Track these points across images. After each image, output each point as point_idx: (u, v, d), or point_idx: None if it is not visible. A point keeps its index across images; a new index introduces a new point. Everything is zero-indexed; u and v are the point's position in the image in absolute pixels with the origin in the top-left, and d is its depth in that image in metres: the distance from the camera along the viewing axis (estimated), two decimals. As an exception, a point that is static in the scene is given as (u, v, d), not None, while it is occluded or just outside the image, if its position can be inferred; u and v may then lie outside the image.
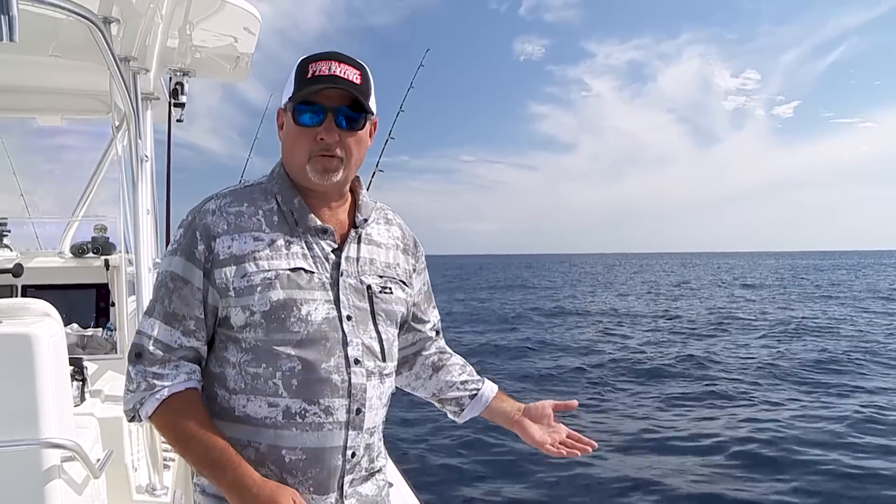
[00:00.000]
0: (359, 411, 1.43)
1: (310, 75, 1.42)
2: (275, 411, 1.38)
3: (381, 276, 1.54)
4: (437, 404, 1.82)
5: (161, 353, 1.40)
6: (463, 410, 1.77)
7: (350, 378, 1.42)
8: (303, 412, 1.38)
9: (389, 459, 3.36)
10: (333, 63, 1.42)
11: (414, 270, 1.68)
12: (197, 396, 1.42)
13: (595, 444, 1.69)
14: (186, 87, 3.86)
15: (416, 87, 5.22)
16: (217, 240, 1.41)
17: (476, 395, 1.76)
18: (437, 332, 1.82)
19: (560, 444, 1.69)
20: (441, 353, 1.81)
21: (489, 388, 1.78)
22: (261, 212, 1.46)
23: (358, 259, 1.52)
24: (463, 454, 7.70)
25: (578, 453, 1.67)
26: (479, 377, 1.81)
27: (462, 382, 1.77)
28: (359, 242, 1.54)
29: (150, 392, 1.38)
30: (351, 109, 1.45)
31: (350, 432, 1.43)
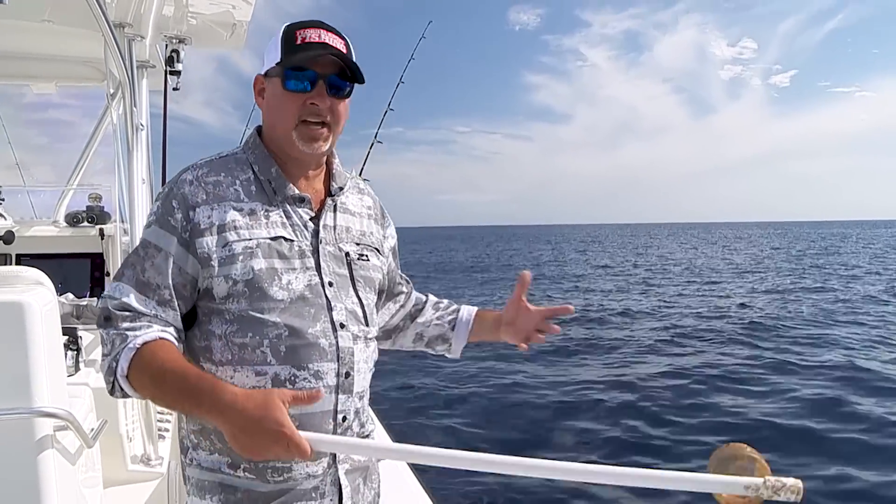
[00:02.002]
0: (348, 375, 1.45)
1: (299, 41, 1.43)
2: (263, 380, 1.38)
3: (357, 244, 1.57)
4: (426, 349, 1.86)
5: (130, 312, 1.36)
6: (451, 344, 1.82)
7: (338, 342, 1.44)
8: (292, 378, 1.39)
9: (382, 428, 3.39)
10: (322, 31, 1.45)
11: (384, 237, 1.71)
12: (171, 344, 1.36)
13: (558, 329, 1.71)
14: (182, 55, 3.81)
15: (415, 59, 5.15)
16: (196, 209, 1.40)
17: (455, 324, 1.82)
18: (409, 285, 1.86)
19: (534, 333, 1.72)
20: (416, 302, 1.86)
21: (467, 312, 1.83)
22: (238, 181, 1.46)
23: (335, 227, 1.54)
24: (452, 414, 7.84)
25: (542, 339, 1.72)
26: (454, 307, 1.86)
27: (438, 318, 1.83)
28: (335, 211, 1.56)
29: (123, 345, 1.33)
30: (339, 77, 1.46)
31: (340, 396, 1.44)
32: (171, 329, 1.40)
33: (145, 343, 1.32)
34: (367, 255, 1.58)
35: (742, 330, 13.79)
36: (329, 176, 1.59)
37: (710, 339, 12.86)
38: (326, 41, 1.44)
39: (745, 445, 1.27)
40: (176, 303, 1.40)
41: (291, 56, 1.42)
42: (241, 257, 1.38)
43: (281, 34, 1.46)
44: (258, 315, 1.38)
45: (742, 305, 18.03)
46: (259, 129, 1.56)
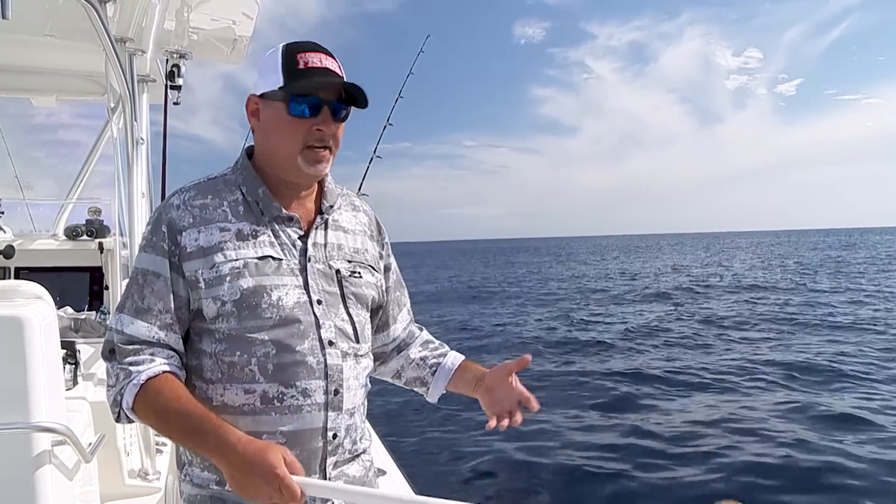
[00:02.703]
0: (336, 392, 1.45)
1: (301, 66, 1.44)
2: (252, 397, 1.40)
3: (349, 261, 1.57)
4: (403, 386, 1.82)
5: (134, 346, 1.40)
6: (429, 389, 1.77)
7: (325, 359, 1.44)
8: (280, 396, 1.40)
9: (383, 446, 3.38)
10: (322, 55, 1.46)
11: (380, 257, 1.70)
12: (175, 378, 1.40)
13: (536, 407, 1.61)
14: (183, 70, 3.83)
15: (415, 74, 5.17)
16: (183, 233, 1.43)
17: (437, 370, 1.77)
18: (410, 318, 1.84)
19: (506, 413, 1.61)
20: (408, 335, 1.82)
21: (451, 361, 1.77)
22: (226, 203, 1.48)
23: (325, 245, 1.54)
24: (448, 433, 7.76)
25: (505, 426, 1.60)
26: (442, 351, 1.81)
27: (422, 358, 1.79)
28: (325, 228, 1.56)
29: (127, 380, 1.37)
30: (339, 102, 1.48)
31: (329, 413, 1.44)
32: (174, 357, 1.43)
33: (149, 378, 1.36)
34: (359, 272, 1.58)
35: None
36: (321, 194, 1.60)
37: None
38: (328, 66, 1.45)
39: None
40: (177, 326, 1.43)
41: (295, 82, 1.43)
42: (228, 278, 1.40)
43: (280, 56, 1.46)
44: (246, 334, 1.40)
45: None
46: (249, 150, 1.57)
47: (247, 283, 1.40)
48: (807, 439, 7.28)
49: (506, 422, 1.61)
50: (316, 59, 1.45)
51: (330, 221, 1.58)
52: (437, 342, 1.85)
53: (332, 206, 1.59)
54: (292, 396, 1.41)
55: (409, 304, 1.83)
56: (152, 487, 3.01)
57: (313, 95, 1.44)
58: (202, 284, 1.40)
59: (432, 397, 1.79)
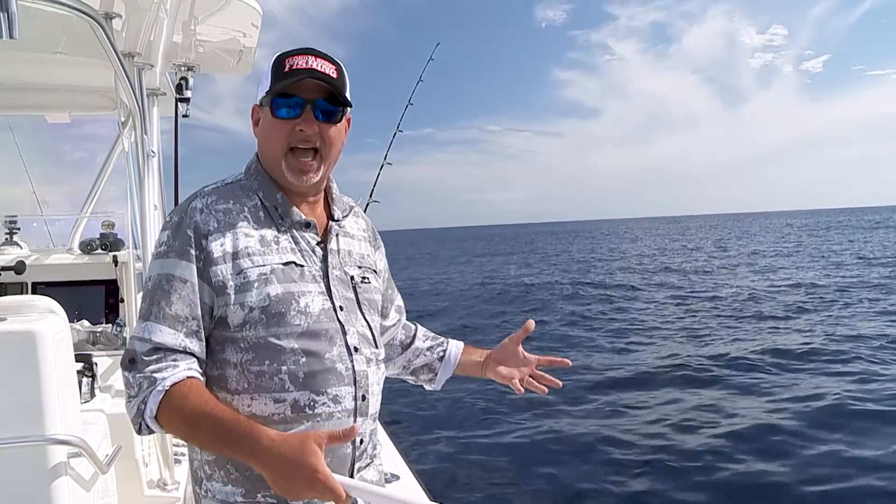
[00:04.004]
0: (364, 398, 1.47)
1: (287, 69, 1.44)
2: (282, 406, 1.38)
3: (359, 267, 1.59)
4: (409, 378, 1.90)
5: (155, 354, 1.35)
6: (436, 375, 1.85)
7: (353, 366, 1.45)
8: (312, 404, 1.40)
9: (396, 450, 3.38)
10: (310, 57, 1.45)
11: (376, 260, 1.73)
12: (201, 384, 1.37)
13: (559, 382, 1.75)
14: (191, 82, 3.86)
15: (435, 60, 5.19)
16: (209, 238, 1.40)
17: (444, 355, 1.85)
18: (402, 314, 1.89)
19: (529, 379, 1.77)
20: (406, 332, 1.89)
21: (455, 346, 1.87)
22: (246, 209, 1.47)
23: (338, 251, 1.55)
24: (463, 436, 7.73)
25: (545, 390, 1.75)
26: (443, 339, 1.89)
27: (428, 349, 1.87)
28: (337, 235, 1.58)
29: (151, 388, 1.33)
30: (328, 102, 1.46)
31: (358, 419, 1.45)
32: (196, 364, 1.39)
33: (174, 384, 1.33)
34: (368, 278, 1.60)
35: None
36: (328, 200, 1.61)
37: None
38: (314, 66, 1.44)
39: None
40: (202, 333, 1.40)
41: (278, 84, 1.43)
42: (256, 284, 1.39)
43: (271, 64, 1.48)
44: (275, 342, 1.39)
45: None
46: (258, 156, 1.58)
47: (275, 289, 1.39)
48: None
49: (526, 385, 1.74)
50: (301, 61, 1.44)
51: (339, 228, 1.59)
52: (433, 334, 1.93)
53: (344, 214, 1.61)
54: (324, 404, 1.40)
55: (400, 301, 1.87)
56: (171, 497, 3.03)
57: (295, 96, 1.44)
58: (230, 290, 1.38)
59: (437, 384, 1.87)
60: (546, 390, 1.75)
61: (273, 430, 1.27)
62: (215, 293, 1.39)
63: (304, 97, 1.44)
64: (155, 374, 1.34)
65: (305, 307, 1.42)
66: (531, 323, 1.74)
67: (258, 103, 1.51)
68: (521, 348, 1.75)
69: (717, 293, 20.28)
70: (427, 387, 1.88)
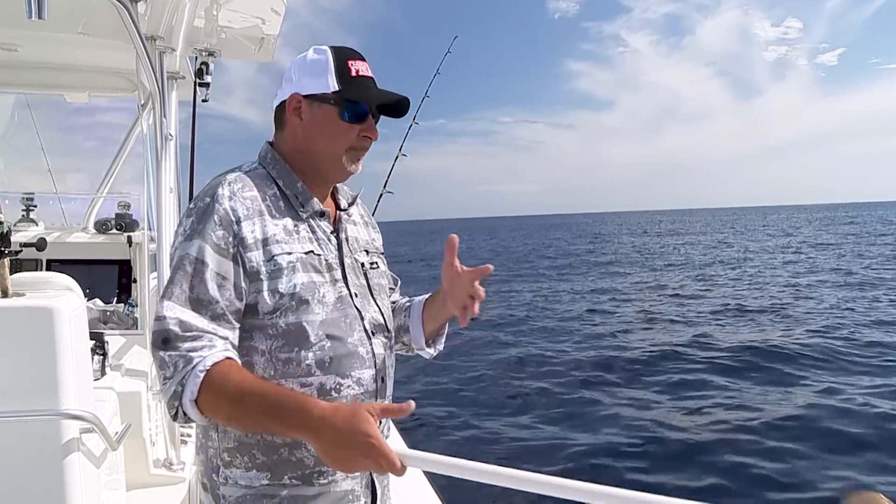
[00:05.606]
0: (383, 380, 1.53)
1: (353, 73, 1.50)
2: (309, 390, 1.41)
3: (367, 253, 1.64)
4: (401, 349, 1.81)
5: (190, 332, 1.32)
6: (409, 330, 1.75)
7: (373, 349, 1.51)
8: (337, 387, 1.44)
9: (401, 437, 3.40)
10: (366, 65, 1.54)
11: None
12: (238, 364, 1.35)
13: (490, 267, 1.56)
14: (212, 67, 3.89)
15: (452, 52, 5.19)
16: (241, 224, 1.39)
17: (409, 309, 1.77)
18: (397, 285, 1.87)
19: (468, 299, 1.56)
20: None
21: (418, 298, 1.81)
22: (267, 197, 1.48)
23: (348, 239, 1.59)
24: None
25: (476, 309, 1.56)
26: (408, 298, 1.84)
27: (394, 311, 1.77)
28: (345, 224, 1.62)
29: (189, 367, 1.29)
30: (379, 111, 1.57)
31: (378, 401, 1.50)
32: (230, 343, 1.37)
33: (214, 364, 1.29)
34: (377, 263, 1.66)
35: None
36: (334, 189, 1.65)
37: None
38: (372, 76, 1.53)
39: (882, 496, 1.11)
40: (230, 317, 1.37)
41: (350, 88, 1.49)
42: (285, 271, 1.40)
43: (332, 60, 1.50)
44: (304, 327, 1.41)
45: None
46: (272, 144, 1.58)
47: (300, 277, 1.42)
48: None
49: (467, 311, 1.56)
50: (364, 68, 1.52)
51: (347, 217, 1.64)
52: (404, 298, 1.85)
53: (349, 203, 1.65)
54: (348, 386, 1.45)
55: (394, 275, 1.84)
56: (177, 477, 3.07)
57: (365, 104, 1.51)
58: (264, 276, 1.38)
59: (417, 343, 1.76)
60: (477, 309, 1.57)
61: (323, 401, 1.26)
62: (249, 279, 1.39)
63: (370, 106, 1.52)
64: (191, 354, 1.30)
65: (325, 294, 1.45)
66: (454, 238, 1.58)
67: (304, 95, 1.50)
68: (457, 265, 1.58)
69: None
70: (422, 353, 1.78)
